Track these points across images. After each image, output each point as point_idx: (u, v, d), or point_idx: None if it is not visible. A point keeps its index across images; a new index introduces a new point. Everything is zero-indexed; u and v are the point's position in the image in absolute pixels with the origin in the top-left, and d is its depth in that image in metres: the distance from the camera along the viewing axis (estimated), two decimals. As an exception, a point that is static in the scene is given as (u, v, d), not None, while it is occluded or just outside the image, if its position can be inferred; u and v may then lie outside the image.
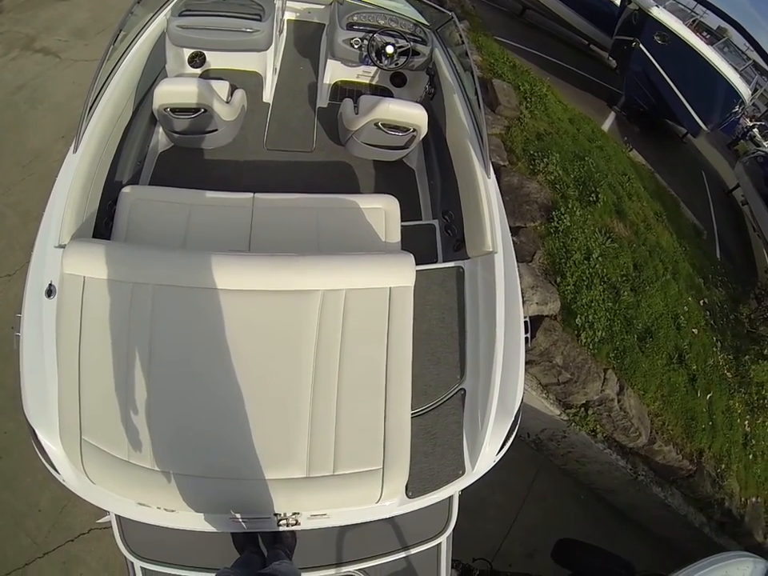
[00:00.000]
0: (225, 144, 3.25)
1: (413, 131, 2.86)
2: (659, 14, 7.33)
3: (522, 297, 3.03)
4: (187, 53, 3.67)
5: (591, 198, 4.19)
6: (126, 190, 2.32)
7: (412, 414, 1.71)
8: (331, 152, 3.34)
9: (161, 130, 3.07)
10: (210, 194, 2.35)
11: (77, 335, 1.53)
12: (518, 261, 3.18)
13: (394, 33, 3.40)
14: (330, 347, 1.60)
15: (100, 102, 2.30)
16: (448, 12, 3.31)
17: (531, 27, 11.22)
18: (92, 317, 1.54)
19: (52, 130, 5.23)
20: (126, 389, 1.50)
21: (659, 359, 3.53)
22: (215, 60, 3.71)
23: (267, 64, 3.69)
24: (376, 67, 3.61)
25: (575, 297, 3.32)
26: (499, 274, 1.96)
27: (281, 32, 3.99)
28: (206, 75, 3.69)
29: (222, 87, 3.21)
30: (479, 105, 2.45)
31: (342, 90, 3.78)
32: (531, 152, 4.42)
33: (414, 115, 2.77)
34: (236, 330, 1.55)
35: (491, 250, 2.03)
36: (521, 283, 3.02)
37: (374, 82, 3.90)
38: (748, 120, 13.76)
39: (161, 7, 3.24)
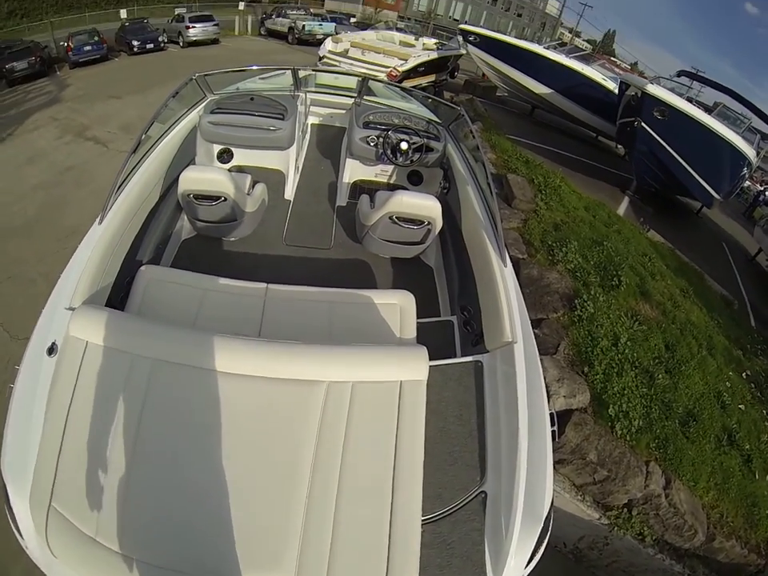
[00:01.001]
0: (245, 236, 3.42)
1: (427, 224, 2.89)
2: (655, 90, 7.67)
3: (548, 390, 3.03)
4: (216, 149, 4.00)
5: (614, 283, 4.25)
6: (144, 268, 2.39)
7: (424, 520, 1.56)
8: (349, 250, 3.46)
9: (185, 217, 3.24)
10: (224, 281, 2.39)
11: (68, 398, 1.48)
12: (541, 353, 3.25)
13: (408, 130, 3.58)
14: (332, 443, 1.47)
15: (129, 183, 2.46)
16: (457, 107, 3.49)
17: (541, 125, 12.15)
18: (87, 382, 1.50)
19: (91, 210, 5.93)
20: (105, 461, 1.41)
21: (707, 443, 3.33)
22: (242, 157, 4.03)
23: (290, 163, 4.01)
24: (393, 166, 3.79)
25: (605, 386, 3.27)
26: (520, 366, 1.84)
27: (304, 134, 4.37)
28: (233, 171, 3.93)
29: (243, 179, 3.42)
30: (492, 194, 2.50)
31: (361, 189, 3.99)
32: (549, 243, 4.61)
33: (428, 207, 2.79)
34: (231, 416, 1.47)
35: (510, 340, 1.92)
36: (545, 376, 3.05)
37: (391, 181, 4.13)
38: (758, 185, 13.78)
39: (195, 104, 3.61)
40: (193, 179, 2.79)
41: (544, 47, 11.67)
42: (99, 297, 2.04)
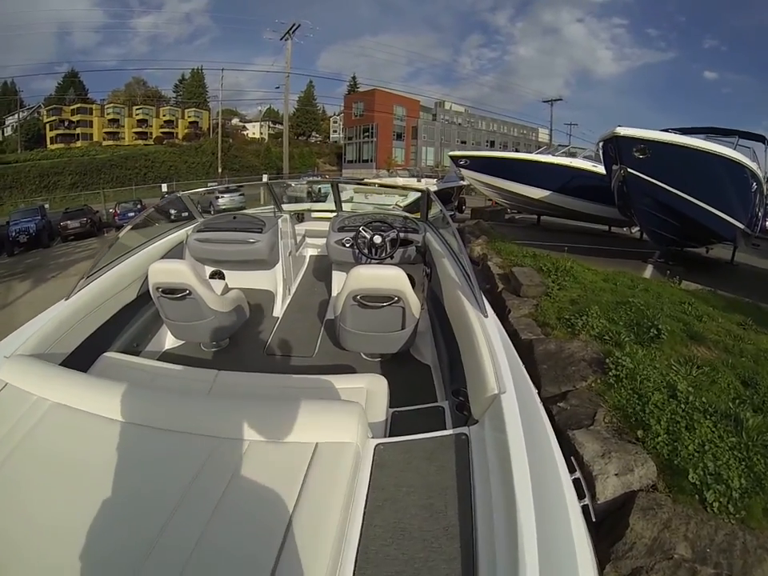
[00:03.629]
0: (222, 343, 3.33)
1: (397, 300, 2.58)
2: (624, 130, 7.21)
3: (590, 470, 2.36)
4: (208, 270, 4.14)
5: (651, 334, 3.66)
6: (108, 354, 2.37)
7: None
8: (333, 356, 3.22)
9: (163, 318, 3.08)
10: (178, 368, 2.34)
11: None
12: (573, 427, 2.69)
13: (381, 224, 3.48)
14: (202, 505, 1.22)
15: (107, 273, 2.58)
16: (423, 188, 3.54)
17: (549, 230, 12.27)
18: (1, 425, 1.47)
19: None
20: None
21: None
22: (233, 279, 4.07)
23: (277, 281, 4.05)
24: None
25: (675, 447, 2.52)
26: (510, 418, 1.37)
27: (301, 264, 4.54)
28: (225, 292, 3.84)
29: (216, 281, 3.45)
30: (462, 250, 2.39)
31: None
32: (566, 317, 4.17)
33: (390, 276, 2.51)
34: (121, 464, 1.35)
35: (496, 392, 1.50)
36: (582, 454, 2.42)
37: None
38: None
39: (185, 224, 3.83)
40: (159, 270, 2.77)
41: (533, 154, 12.31)
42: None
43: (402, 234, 3.52)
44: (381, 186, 5.83)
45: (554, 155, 12.01)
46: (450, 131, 52.27)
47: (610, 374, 3.13)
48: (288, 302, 4.11)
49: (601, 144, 8.46)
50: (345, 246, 3.62)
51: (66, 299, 2.28)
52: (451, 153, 13.67)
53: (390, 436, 1.68)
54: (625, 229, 12.70)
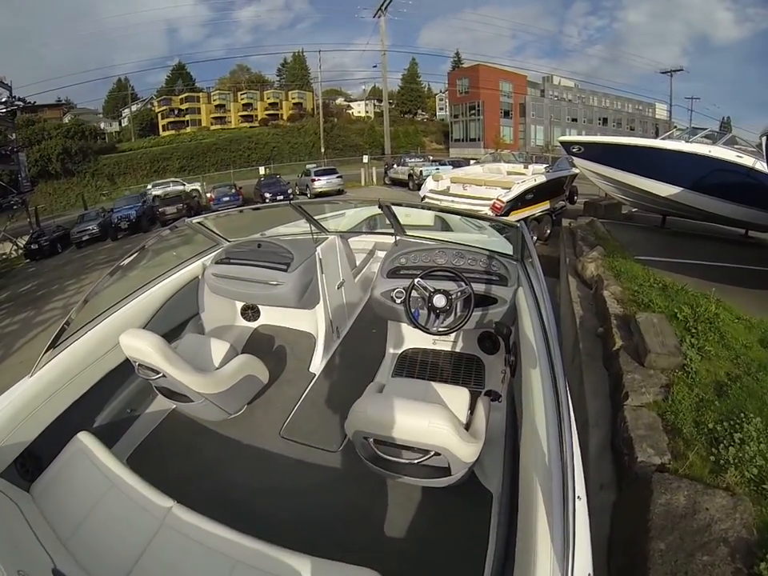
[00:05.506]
0: (230, 415, 2.68)
1: (434, 454, 1.73)
2: None
3: None
4: (239, 305, 3.47)
5: None
6: (81, 436, 1.98)
7: None
8: (358, 459, 2.11)
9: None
10: (135, 484, 1.81)
11: None
12: None
13: (447, 273, 2.50)
14: None
15: (80, 340, 2.21)
16: (516, 224, 2.46)
17: (677, 235, 9.90)
18: None
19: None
20: None
21: None
22: (268, 314, 3.41)
23: (318, 326, 3.20)
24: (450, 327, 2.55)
25: None
26: None
27: (366, 293, 3.74)
28: (261, 331, 3.38)
29: (206, 349, 2.65)
30: (562, 375, 1.44)
31: (412, 362, 3.03)
32: (709, 426, 2.82)
33: (419, 430, 1.63)
34: None
35: None
36: None
37: (457, 349, 3.05)
38: None
39: (201, 252, 3.16)
40: (125, 344, 2.29)
41: (660, 139, 9.86)
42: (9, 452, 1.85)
43: (481, 288, 2.48)
44: (465, 215, 4.63)
45: (687, 141, 9.51)
46: (559, 108, 48.09)
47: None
48: (334, 349, 3.29)
49: (765, 138, 6.32)
50: (395, 301, 2.67)
51: (30, 376, 2.02)
52: (562, 138, 11.31)
53: None
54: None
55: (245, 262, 3.15)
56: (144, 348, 2.22)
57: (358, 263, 3.98)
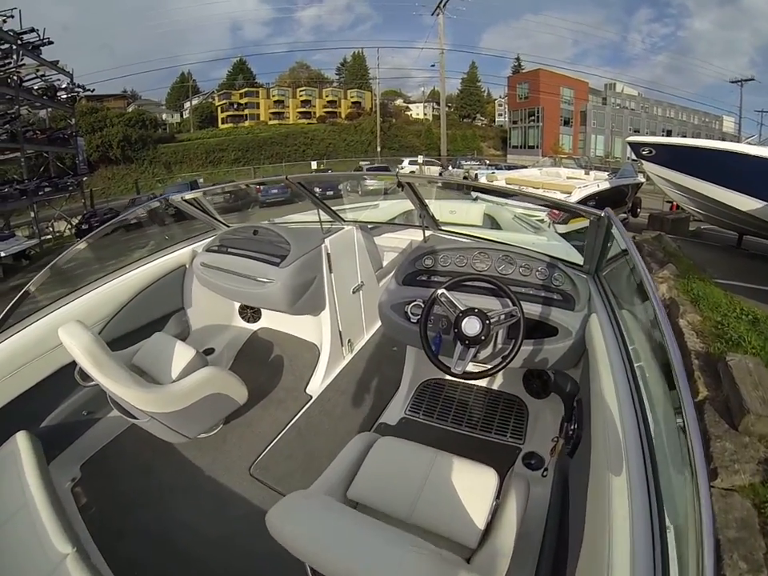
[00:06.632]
0: (195, 434, 2.20)
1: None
2: None
3: None
4: (236, 305, 3.07)
5: None
6: (19, 436, 1.78)
7: None
8: None
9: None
10: (47, 512, 1.47)
11: None
12: None
13: (489, 284, 1.78)
14: None
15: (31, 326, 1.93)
16: (599, 212, 1.73)
17: (757, 258, 8.86)
18: None
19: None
20: None
21: None
22: (270, 317, 2.96)
23: (323, 336, 2.66)
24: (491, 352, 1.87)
25: None
26: None
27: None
28: (260, 335, 2.92)
29: (171, 346, 2.20)
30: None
31: (433, 396, 2.44)
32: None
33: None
34: None
35: None
36: None
37: (494, 386, 2.42)
38: None
39: (191, 237, 2.78)
40: (63, 340, 1.81)
41: (747, 144, 8.47)
42: None
43: (535, 310, 1.76)
44: (524, 195, 3.84)
45: None
46: (621, 117, 45.81)
47: None
48: (342, 368, 2.71)
49: None
50: (410, 319, 1.96)
51: None
52: (631, 138, 9.89)
53: None
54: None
55: (236, 251, 2.64)
56: (74, 348, 1.74)
57: (385, 264, 3.35)
